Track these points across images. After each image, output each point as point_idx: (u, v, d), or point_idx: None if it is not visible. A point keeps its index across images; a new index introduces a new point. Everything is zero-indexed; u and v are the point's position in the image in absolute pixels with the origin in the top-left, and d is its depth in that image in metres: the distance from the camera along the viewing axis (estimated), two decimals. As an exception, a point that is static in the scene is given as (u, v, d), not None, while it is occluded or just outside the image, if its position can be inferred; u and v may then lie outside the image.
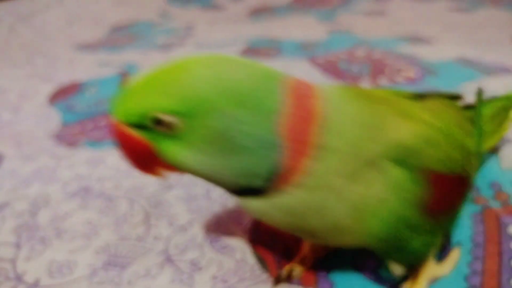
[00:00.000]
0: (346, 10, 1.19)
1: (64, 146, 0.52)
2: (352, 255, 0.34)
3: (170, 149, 0.23)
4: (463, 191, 0.29)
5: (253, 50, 0.89)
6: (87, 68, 0.84)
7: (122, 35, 1.08)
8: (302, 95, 0.23)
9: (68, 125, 0.60)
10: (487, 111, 0.38)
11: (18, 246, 0.37)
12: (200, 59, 0.23)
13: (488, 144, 0.37)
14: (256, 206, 0.25)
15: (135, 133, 0.23)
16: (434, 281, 0.31)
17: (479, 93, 0.39)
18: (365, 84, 0.70)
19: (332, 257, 0.34)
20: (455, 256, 0.33)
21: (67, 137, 0.55)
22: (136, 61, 0.85)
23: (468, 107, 0.37)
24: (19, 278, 0.34)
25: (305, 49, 0.87)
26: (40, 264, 0.35)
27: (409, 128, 0.25)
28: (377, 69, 0.75)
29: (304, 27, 1.04)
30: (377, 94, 0.29)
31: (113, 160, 0.48)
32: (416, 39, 0.90)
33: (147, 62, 0.84)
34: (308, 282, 0.32)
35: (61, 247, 0.36)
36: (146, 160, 0.24)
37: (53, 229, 0.38)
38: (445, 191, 0.26)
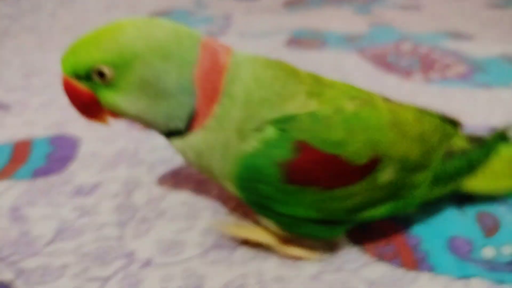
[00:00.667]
0: (380, 4, 1.19)
1: (138, 130, 0.53)
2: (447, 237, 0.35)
3: (108, 96, 0.27)
4: (341, 173, 0.28)
5: (297, 40, 0.89)
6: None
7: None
8: (215, 52, 0.28)
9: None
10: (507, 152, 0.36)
11: (121, 225, 0.37)
12: (132, 21, 0.27)
13: (492, 184, 0.36)
14: (177, 145, 0.29)
15: (80, 84, 0.27)
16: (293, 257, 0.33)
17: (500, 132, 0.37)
18: (417, 78, 0.70)
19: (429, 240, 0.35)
20: (307, 254, 0.33)
21: (137, 122, 0.55)
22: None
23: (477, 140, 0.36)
24: (131, 256, 0.34)
25: (350, 42, 0.87)
26: (149, 242, 0.36)
27: (306, 105, 0.28)
28: (427, 64, 0.75)
29: (343, 19, 1.04)
30: (306, 74, 0.30)
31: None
32: (457, 35, 0.90)
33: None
34: (409, 265, 0.33)
35: (165, 227, 0.37)
36: (91, 108, 0.28)
37: (152, 210, 0.39)
38: (312, 163, 0.27)
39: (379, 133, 0.29)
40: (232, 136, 0.27)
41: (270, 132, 0.27)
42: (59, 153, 0.48)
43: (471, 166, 0.34)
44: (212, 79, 0.27)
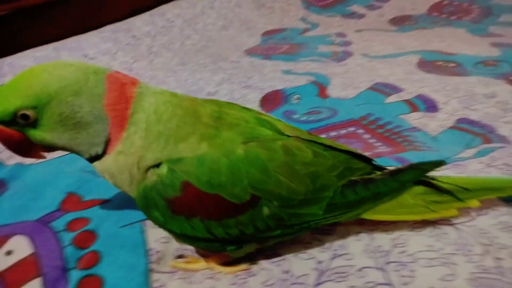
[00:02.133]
0: (492, 23, 1.13)
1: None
2: None
3: (36, 134, 0.30)
4: (222, 209, 0.31)
5: (429, 62, 0.86)
6: (275, 75, 0.84)
7: (278, 42, 1.08)
8: (122, 83, 0.30)
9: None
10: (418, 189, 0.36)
11: (382, 270, 0.37)
12: (43, 66, 0.30)
13: (398, 216, 0.37)
14: (98, 168, 0.32)
15: (8, 129, 0.30)
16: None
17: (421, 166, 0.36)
18: None
19: None
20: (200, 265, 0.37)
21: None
22: (318, 71, 0.85)
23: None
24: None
25: (487, 66, 0.83)
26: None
27: (196, 148, 0.31)
28: None
29: (464, 40, 1.00)
30: (209, 113, 0.33)
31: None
32: None
33: (328, 72, 0.84)
34: None
35: (428, 273, 0.36)
36: (24, 147, 0.31)
37: (402, 252, 0.38)
38: (194, 201, 0.30)
39: (263, 176, 0.31)
40: (134, 162, 0.31)
41: (164, 171, 0.30)
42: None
43: (376, 196, 0.35)
44: (120, 108, 0.30)
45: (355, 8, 1.30)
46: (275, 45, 1.05)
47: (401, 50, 0.95)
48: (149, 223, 0.42)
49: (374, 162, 0.38)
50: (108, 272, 0.35)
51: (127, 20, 0.96)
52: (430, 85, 0.75)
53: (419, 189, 0.36)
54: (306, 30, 1.17)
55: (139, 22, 0.97)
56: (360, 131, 0.62)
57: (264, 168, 0.31)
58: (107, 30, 0.87)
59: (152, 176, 0.31)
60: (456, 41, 1.00)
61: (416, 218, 0.37)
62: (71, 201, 0.44)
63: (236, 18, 1.23)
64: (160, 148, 0.30)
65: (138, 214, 0.43)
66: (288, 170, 0.32)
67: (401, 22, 1.19)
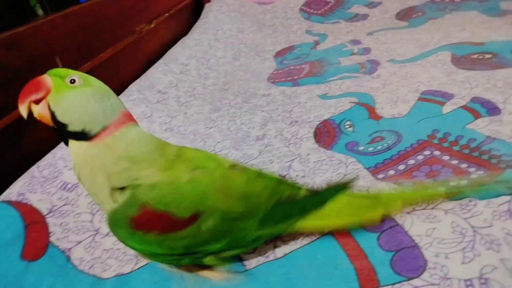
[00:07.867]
0: (499, -1, 1.12)
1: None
2: None
3: (66, 91, 0.35)
4: (171, 224, 0.37)
5: (463, 58, 0.84)
6: (315, 103, 0.81)
7: (294, 61, 1.05)
8: (128, 115, 0.38)
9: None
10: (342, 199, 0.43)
11: None
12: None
13: (322, 224, 0.43)
14: (75, 148, 0.36)
15: (48, 77, 0.36)
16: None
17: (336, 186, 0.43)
18: None
19: None
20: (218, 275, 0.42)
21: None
22: (356, 89, 0.82)
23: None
24: None
25: (524, 50, 0.81)
26: None
27: (153, 176, 0.37)
28: None
29: (482, 25, 0.98)
30: (173, 150, 0.40)
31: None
32: None
33: (367, 89, 0.81)
34: None
35: None
36: (36, 90, 0.35)
37: None
38: (150, 218, 0.36)
39: (202, 196, 0.37)
40: (111, 167, 0.35)
41: (127, 195, 0.36)
42: None
43: (301, 210, 0.42)
44: (124, 117, 0.37)
45: (356, 9, 1.28)
46: (294, 66, 1.02)
47: (427, 49, 0.92)
48: None
49: (299, 185, 0.45)
50: None
51: (146, 73, 0.91)
52: (479, 83, 0.73)
53: (344, 199, 0.43)
54: (316, 43, 1.14)
55: (158, 73, 0.92)
56: (437, 153, 0.59)
57: (203, 190, 0.38)
58: (133, 91, 0.81)
59: (118, 199, 0.37)
60: (475, 27, 0.98)
61: (344, 221, 0.43)
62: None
63: (243, 44, 1.19)
64: (126, 169, 0.36)
65: None
66: (225, 191, 0.38)
67: (408, 15, 1.17)
